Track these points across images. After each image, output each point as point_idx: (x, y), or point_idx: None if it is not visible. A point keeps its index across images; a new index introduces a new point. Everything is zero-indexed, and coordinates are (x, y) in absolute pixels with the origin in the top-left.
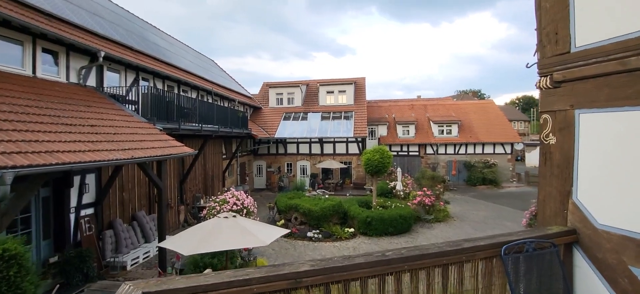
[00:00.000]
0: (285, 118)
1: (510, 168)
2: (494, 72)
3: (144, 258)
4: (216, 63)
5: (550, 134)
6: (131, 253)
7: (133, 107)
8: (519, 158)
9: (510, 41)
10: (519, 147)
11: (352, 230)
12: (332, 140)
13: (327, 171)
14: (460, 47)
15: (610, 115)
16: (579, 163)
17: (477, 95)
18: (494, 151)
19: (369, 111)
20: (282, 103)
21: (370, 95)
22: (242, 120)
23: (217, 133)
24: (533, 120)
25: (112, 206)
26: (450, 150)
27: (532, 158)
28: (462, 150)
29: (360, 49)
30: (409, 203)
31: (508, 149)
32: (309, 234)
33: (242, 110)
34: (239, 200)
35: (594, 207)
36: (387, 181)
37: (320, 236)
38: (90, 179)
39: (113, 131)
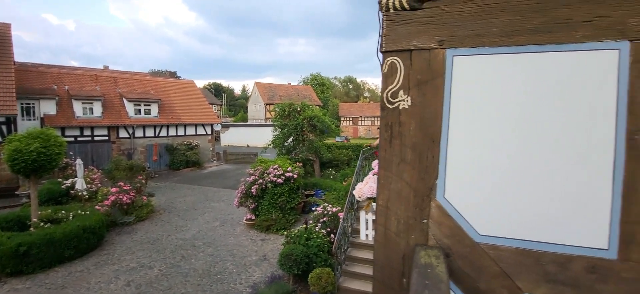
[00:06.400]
0: None
1: (211, 148)
2: (186, 56)
3: None
4: None
5: (401, 92)
6: None
7: None
8: (216, 138)
9: (199, 31)
10: (217, 127)
11: None
12: None
13: None
14: (151, 24)
15: (504, 60)
16: (449, 141)
17: (174, 76)
18: (195, 132)
19: (21, 77)
20: None
21: (27, 60)
22: None
23: None
24: (224, 104)
25: None
26: (150, 132)
27: (226, 138)
28: (164, 132)
29: None
30: (98, 207)
31: (208, 130)
32: None
33: None
34: None
35: (471, 210)
36: (61, 180)
37: None
38: None
39: None
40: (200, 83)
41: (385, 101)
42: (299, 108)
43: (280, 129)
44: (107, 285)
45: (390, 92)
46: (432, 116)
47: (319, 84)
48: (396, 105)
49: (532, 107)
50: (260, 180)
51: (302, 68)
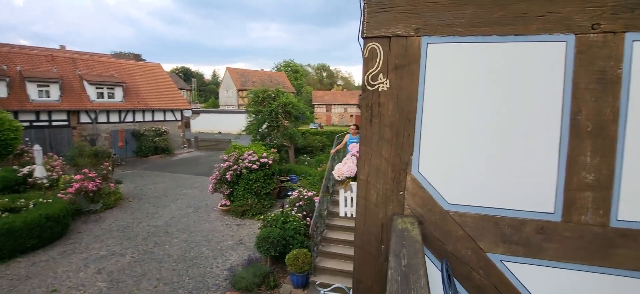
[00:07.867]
0: None
1: (181, 135)
2: (151, 39)
3: None
4: None
5: (381, 75)
6: None
7: None
8: (186, 125)
9: (165, 12)
10: (188, 113)
11: None
12: None
13: None
14: (110, 1)
15: (471, 48)
16: (423, 121)
17: (139, 58)
18: (164, 118)
19: None
20: None
21: None
22: None
23: None
24: (194, 90)
25: None
26: (114, 117)
27: (197, 125)
28: (130, 118)
29: None
30: (61, 195)
31: (178, 116)
32: None
33: None
34: None
35: (441, 182)
36: (17, 168)
37: None
38: None
39: None
40: (167, 67)
41: (366, 84)
42: (273, 95)
43: (254, 115)
44: (76, 274)
45: (371, 75)
46: (408, 98)
47: (292, 71)
48: (376, 87)
49: (494, 91)
50: (235, 166)
51: (275, 54)
